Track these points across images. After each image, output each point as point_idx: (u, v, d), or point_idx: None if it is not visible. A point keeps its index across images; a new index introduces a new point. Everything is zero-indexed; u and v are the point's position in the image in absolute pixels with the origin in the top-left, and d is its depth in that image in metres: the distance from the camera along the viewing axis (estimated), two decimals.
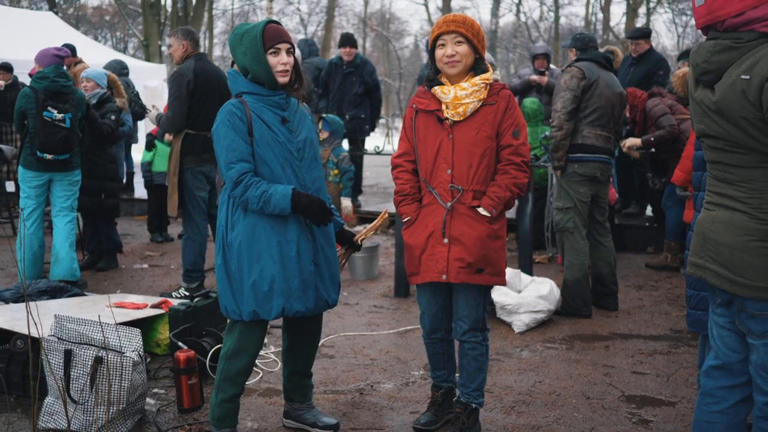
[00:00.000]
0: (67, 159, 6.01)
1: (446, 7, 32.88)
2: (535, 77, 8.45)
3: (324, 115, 7.54)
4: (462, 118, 3.40)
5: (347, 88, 9.36)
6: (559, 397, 4.12)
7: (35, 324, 2.44)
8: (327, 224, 3.32)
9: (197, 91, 5.82)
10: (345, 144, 9.36)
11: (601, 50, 7.21)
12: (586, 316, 5.58)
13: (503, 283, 3.56)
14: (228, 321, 3.45)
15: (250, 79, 3.30)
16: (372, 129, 9.83)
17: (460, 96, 3.37)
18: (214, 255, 3.37)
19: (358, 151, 9.73)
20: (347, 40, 9.48)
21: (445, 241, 3.41)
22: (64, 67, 6.19)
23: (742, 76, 2.32)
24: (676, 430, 3.69)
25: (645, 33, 8.43)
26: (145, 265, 7.46)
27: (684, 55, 8.45)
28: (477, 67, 3.42)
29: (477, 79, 3.39)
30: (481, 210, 3.39)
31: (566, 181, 5.54)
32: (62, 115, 5.87)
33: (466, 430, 3.53)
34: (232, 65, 7.22)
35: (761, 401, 2.53)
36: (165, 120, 5.88)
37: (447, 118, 3.42)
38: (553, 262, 7.33)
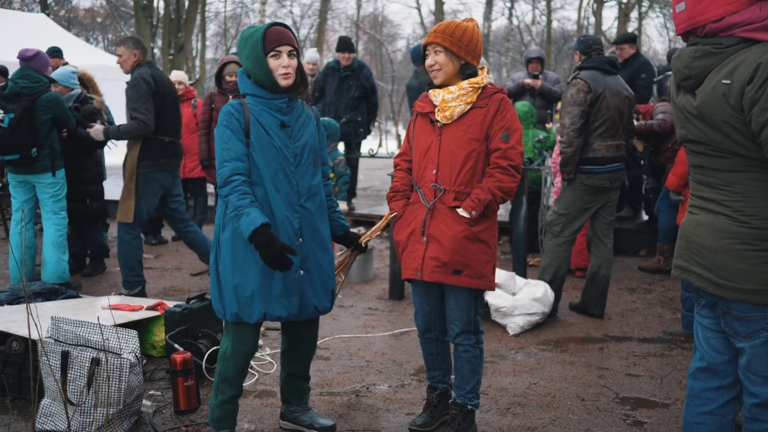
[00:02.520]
0: (18, 159, 5.95)
1: (439, 10, 32.94)
2: (528, 80, 8.48)
3: (322, 119, 7.55)
4: (450, 121, 3.46)
5: (344, 92, 9.39)
6: (554, 398, 4.14)
7: (36, 325, 2.44)
8: (281, 270, 3.11)
9: (157, 95, 5.89)
10: (340, 147, 9.40)
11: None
12: (551, 315, 5.64)
13: (486, 286, 3.50)
14: (223, 322, 3.46)
15: (253, 82, 3.31)
16: (368, 132, 9.85)
17: (447, 99, 3.44)
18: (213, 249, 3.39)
19: (353, 154, 9.75)
20: (345, 45, 9.51)
21: (424, 239, 3.47)
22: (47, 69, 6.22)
23: (723, 81, 2.36)
24: (670, 431, 3.73)
25: (629, 38, 8.48)
26: None
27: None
28: (464, 71, 3.46)
29: (465, 83, 3.44)
30: (460, 211, 3.41)
31: (571, 189, 5.51)
32: (2, 115, 5.85)
33: (462, 430, 3.55)
34: (222, 67, 7.20)
35: (750, 403, 2.56)
36: (135, 125, 5.79)
37: (438, 121, 3.48)
38: None
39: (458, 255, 3.40)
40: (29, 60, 6.12)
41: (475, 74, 3.46)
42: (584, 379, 4.45)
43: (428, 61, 3.48)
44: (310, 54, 10.10)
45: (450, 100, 3.43)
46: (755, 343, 2.47)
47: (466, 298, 3.51)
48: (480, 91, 3.45)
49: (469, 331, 3.54)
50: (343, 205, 7.34)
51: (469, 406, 3.61)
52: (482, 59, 9.23)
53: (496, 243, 3.56)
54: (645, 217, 8.58)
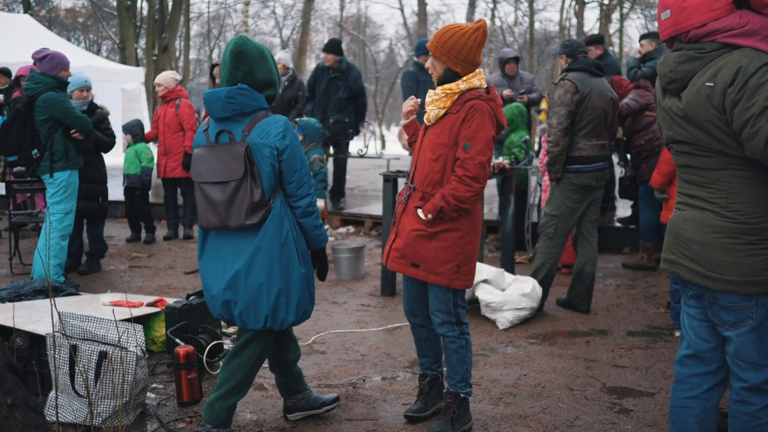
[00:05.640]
0: (17, 161, 6.21)
1: (422, 11, 33.14)
2: (507, 92, 8.49)
3: (297, 119, 7.73)
4: (430, 124, 3.64)
5: (332, 93, 9.49)
6: (543, 389, 4.31)
7: (59, 321, 2.56)
8: (321, 278, 3.75)
9: None
10: (329, 148, 9.55)
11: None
12: (539, 310, 5.82)
13: (445, 283, 3.61)
14: (249, 333, 3.51)
15: (265, 97, 3.40)
16: (356, 133, 9.95)
17: (427, 102, 3.64)
18: (288, 264, 3.38)
19: (342, 155, 9.86)
20: (329, 47, 9.63)
21: (395, 231, 3.72)
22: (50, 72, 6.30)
23: (707, 84, 2.53)
24: (655, 418, 3.89)
25: (593, 39, 8.67)
26: (133, 266, 7.54)
27: (644, 36, 8.58)
28: (445, 76, 3.61)
29: (438, 89, 3.60)
30: (418, 212, 3.61)
31: (560, 189, 5.68)
32: None
33: (458, 418, 3.70)
34: (212, 69, 7.25)
35: (737, 387, 2.74)
36: None
37: (424, 122, 3.69)
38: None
39: (413, 249, 3.62)
40: (39, 61, 6.17)
41: (449, 80, 3.58)
42: (572, 370, 4.62)
43: (427, 63, 3.69)
44: (279, 55, 10.12)
45: (429, 103, 3.62)
46: (741, 331, 2.64)
47: (442, 290, 3.67)
48: (457, 97, 3.57)
49: (451, 322, 3.69)
50: (321, 203, 7.47)
51: (461, 395, 3.76)
52: None
53: (466, 245, 3.63)
54: (618, 215, 8.81)
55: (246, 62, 3.33)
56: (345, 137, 9.69)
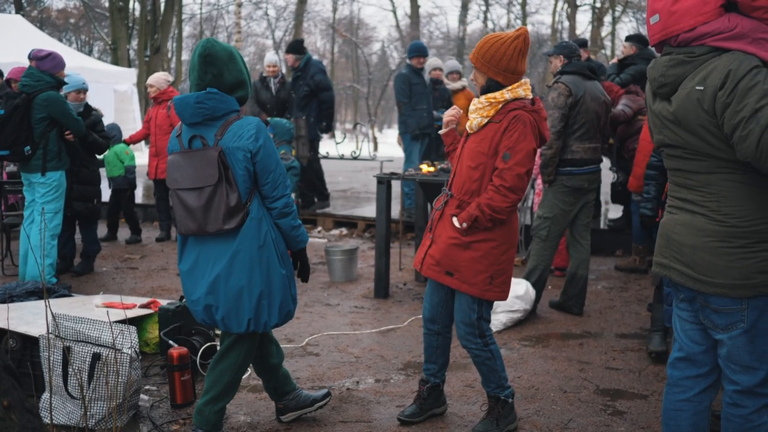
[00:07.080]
0: (8, 156, 6.12)
1: (414, 14, 33.18)
2: None
3: (269, 119, 7.79)
4: (472, 132, 3.62)
5: (296, 92, 9.48)
6: (537, 391, 4.31)
7: (53, 322, 2.55)
8: (304, 279, 3.72)
9: None
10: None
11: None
12: (533, 312, 5.83)
13: (478, 294, 3.58)
14: (234, 336, 3.50)
15: (236, 97, 3.38)
16: (328, 130, 9.71)
17: (471, 110, 3.62)
18: (268, 265, 3.36)
19: (306, 154, 9.58)
20: (287, 48, 9.72)
21: (431, 237, 3.69)
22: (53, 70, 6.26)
23: (697, 87, 2.54)
24: (648, 421, 3.90)
25: (580, 43, 8.69)
26: (125, 267, 7.52)
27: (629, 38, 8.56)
28: (488, 86, 3.58)
29: (482, 98, 3.57)
30: (454, 220, 3.59)
31: (553, 192, 5.70)
32: None
33: (502, 418, 3.71)
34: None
35: (730, 390, 2.74)
36: None
37: (466, 129, 3.67)
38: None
39: (448, 258, 3.59)
40: (39, 60, 6.16)
41: (493, 89, 3.56)
42: (566, 372, 4.63)
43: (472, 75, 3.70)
44: (269, 57, 10.08)
45: (473, 111, 3.60)
46: (733, 335, 2.65)
47: (470, 302, 3.63)
48: (501, 106, 3.55)
49: (473, 334, 3.66)
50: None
51: (502, 397, 3.74)
52: (457, 63, 9.29)
53: (500, 256, 3.60)
54: (610, 216, 8.84)
55: (214, 65, 3.29)
56: (301, 137, 9.42)
